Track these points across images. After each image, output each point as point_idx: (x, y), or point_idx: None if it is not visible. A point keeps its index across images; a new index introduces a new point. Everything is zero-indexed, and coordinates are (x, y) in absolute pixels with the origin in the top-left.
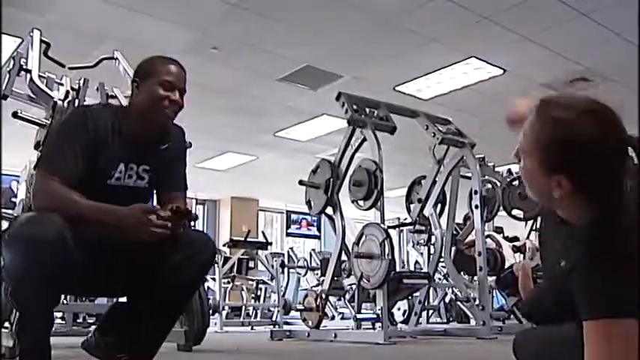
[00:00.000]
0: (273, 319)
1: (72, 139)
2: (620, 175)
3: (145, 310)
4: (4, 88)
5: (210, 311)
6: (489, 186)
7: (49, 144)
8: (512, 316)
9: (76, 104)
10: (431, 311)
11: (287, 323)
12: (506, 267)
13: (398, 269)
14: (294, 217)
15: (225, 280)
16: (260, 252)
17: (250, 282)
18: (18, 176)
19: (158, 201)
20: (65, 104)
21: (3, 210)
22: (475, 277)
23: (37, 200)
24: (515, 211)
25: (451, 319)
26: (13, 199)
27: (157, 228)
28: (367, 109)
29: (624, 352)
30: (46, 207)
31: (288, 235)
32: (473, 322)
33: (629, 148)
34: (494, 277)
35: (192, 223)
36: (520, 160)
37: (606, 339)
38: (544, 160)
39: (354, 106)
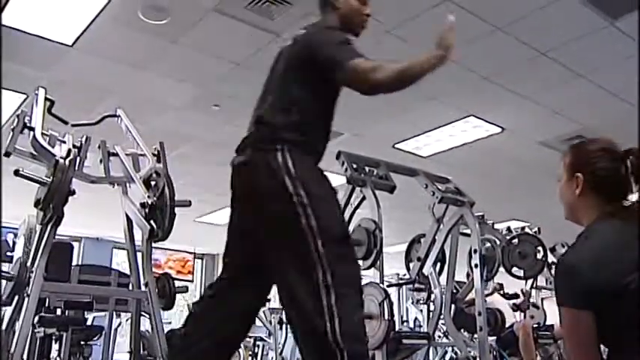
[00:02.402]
0: None
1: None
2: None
3: None
4: (7, 145)
5: None
6: (489, 244)
7: (336, 43)
8: None
9: (78, 162)
10: None
11: None
12: (506, 326)
13: (397, 326)
14: None
15: None
16: None
17: (248, 339)
18: (15, 229)
19: None
20: (67, 162)
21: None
22: (475, 335)
23: (379, 78)
24: (515, 270)
25: None
26: (9, 253)
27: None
28: (367, 168)
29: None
30: (388, 80)
31: None
32: None
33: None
34: (494, 337)
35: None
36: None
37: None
38: (569, 168)
39: (354, 165)
